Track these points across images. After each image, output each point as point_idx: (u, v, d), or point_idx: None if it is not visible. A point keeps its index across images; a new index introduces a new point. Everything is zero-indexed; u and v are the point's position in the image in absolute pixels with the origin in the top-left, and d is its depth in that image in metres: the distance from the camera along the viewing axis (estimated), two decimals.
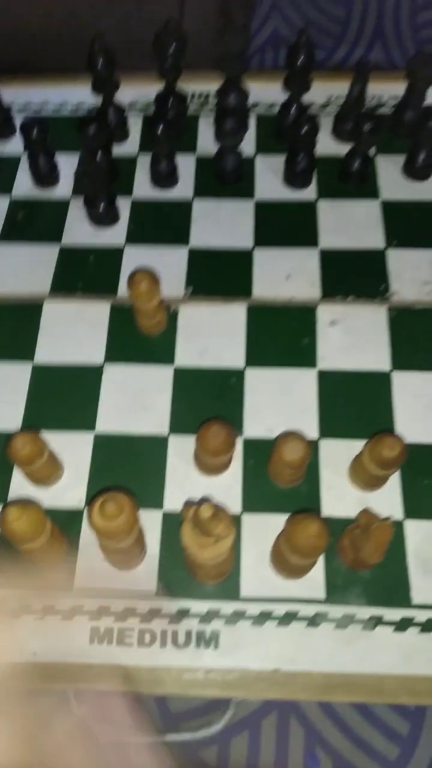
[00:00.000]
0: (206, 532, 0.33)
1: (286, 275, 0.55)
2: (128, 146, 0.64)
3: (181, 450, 0.48)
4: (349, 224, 0.57)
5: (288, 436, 0.41)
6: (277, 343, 0.52)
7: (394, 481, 0.47)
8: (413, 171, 0.58)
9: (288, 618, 0.43)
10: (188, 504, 0.33)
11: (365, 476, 0.44)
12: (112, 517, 0.34)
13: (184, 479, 0.47)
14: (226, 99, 0.59)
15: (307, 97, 0.62)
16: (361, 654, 0.42)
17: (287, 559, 0.39)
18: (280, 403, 0.50)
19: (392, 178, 0.60)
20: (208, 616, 0.43)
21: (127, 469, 0.48)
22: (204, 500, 0.37)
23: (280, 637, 0.42)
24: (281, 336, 0.52)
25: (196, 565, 0.38)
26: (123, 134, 0.64)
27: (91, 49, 0.55)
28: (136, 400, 0.51)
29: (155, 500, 0.46)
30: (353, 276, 0.55)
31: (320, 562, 0.44)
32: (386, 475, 0.43)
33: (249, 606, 0.43)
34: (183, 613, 0.43)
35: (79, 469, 0.48)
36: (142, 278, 0.47)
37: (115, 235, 0.58)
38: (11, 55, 0.72)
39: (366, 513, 0.39)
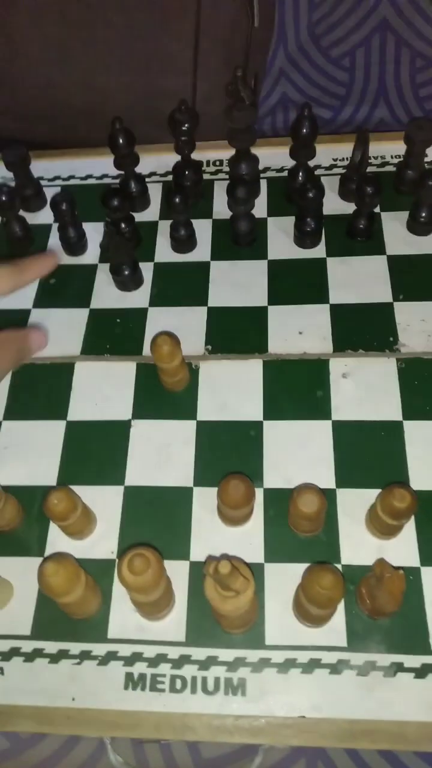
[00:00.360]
0: (225, 586, 0.35)
1: (299, 331, 0.58)
2: (150, 213, 0.69)
3: (205, 501, 0.51)
4: (358, 279, 0.61)
5: (302, 489, 0.44)
6: (292, 396, 0.55)
7: (410, 528, 0.49)
8: (416, 227, 0.61)
9: (311, 665, 0.45)
10: (209, 559, 0.35)
11: (379, 525, 0.46)
12: (140, 573, 0.37)
13: (208, 530, 0.50)
14: (236, 169, 0.63)
15: (314, 160, 0.66)
16: (382, 701, 0.43)
17: (306, 609, 0.41)
18: (297, 454, 0.52)
19: (397, 234, 0.63)
20: (235, 664, 0.45)
21: (155, 521, 0.51)
22: (223, 556, 0.39)
23: (305, 684, 0.44)
24: (296, 389, 0.55)
25: (219, 615, 0.40)
26: (144, 203, 0.68)
27: (112, 131, 0.61)
28: (162, 454, 0.54)
29: (182, 551, 0.49)
30: (363, 329, 0.58)
31: (341, 609, 0.46)
32: (399, 524, 0.45)
33: (274, 654, 0.45)
34: (211, 661, 0.45)
35: (111, 521, 0.51)
36: (164, 341, 0.50)
37: (139, 298, 0.62)
38: (41, 132, 0.78)
39: (380, 563, 0.41)
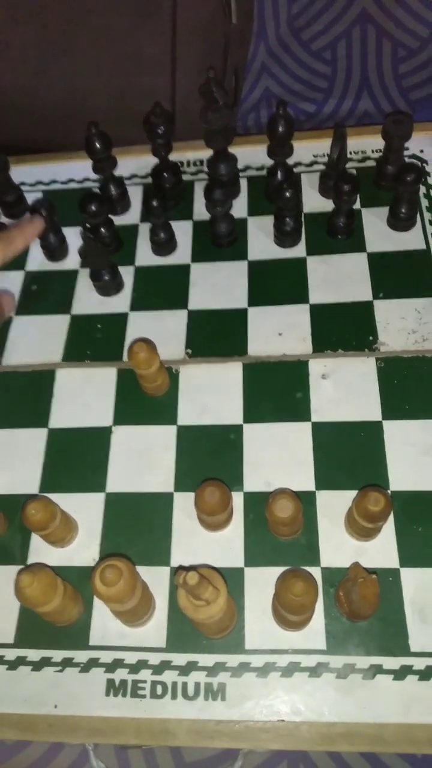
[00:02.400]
0: (196, 596, 0.36)
1: (278, 332, 0.58)
2: (130, 216, 0.68)
3: (186, 506, 0.51)
4: (338, 278, 0.60)
5: (277, 494, 0.44)
6: (272, 399, 0.55)
7: (390, 529, 0.49)
8: (396, 223, 0.61)
9: (291, 669, 0.45)
10: (179, 570, 0.35)
11: (357, 528, 0.46)
12: (113, 584, 0.37)
13: (189, 535, 0.50)
14: (214, 170, 0.63)
15: (294, 156, 0.66)
16: (361, 703, 0.43)
17: (282, 614, 0.41)
18: (277, 456, 0.52)
19: (377, 230, 0.62)
20: (215, 669, 0.45)
21: (136, 527, 0.51)
22: (201, 565, 0.39)
23: (284, 688, 0.44)
24: (276, 391, 0.55)
25: (196, 623, 0.41)
26: (125, 206, 0.68)
27: (88, 135, 0.60)
28: (143, 460, 0.54)
29: (163, 557, 0.49)
30: (342, 329, 0.57)
31: (320, 613, 0.46)
32: (376, 527, 0.45)
33: (253, 658, 0.46)
34: (192, 666, 0.46)
35: (92, 529, 0.51)
36: (140, 348, 0.50)
37: (120, 302, 0.62)
38: (21, 136, 0.78)
39: (354, 567, 0.41)
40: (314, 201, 0.66)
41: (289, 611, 0.40)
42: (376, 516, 0.43)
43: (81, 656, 0.47)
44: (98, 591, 0.38)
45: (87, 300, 0.63)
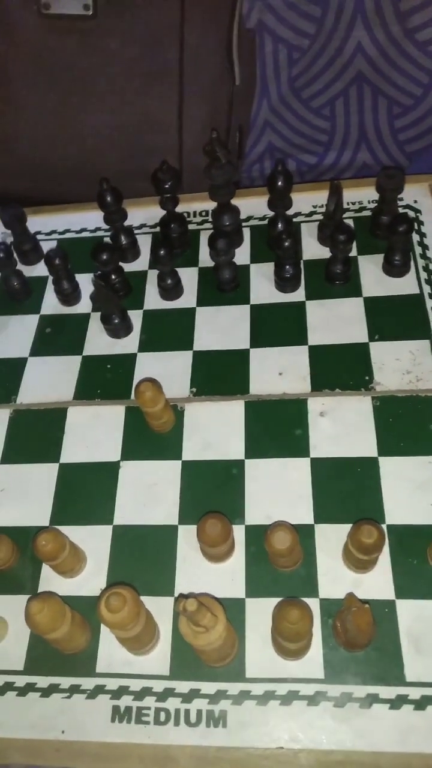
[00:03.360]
0: (195, 623, 0.38)
1: (279, 372, 0.61)
2: (140, 263, 0.73)
3: (190, 538, 0.53)
4: (335, 321, 0.64)
5: (275, 527, 0.46)
6: (272, 435, 0.58)
7: (385, 561, 0.50)
8: (391, 270, 0.64)
9: (290, 697, 0.46)
10: (180, 597, 0.37)
11: (353, 560, 0.48)
12: (117, 610, 0.40)
13: (193, 566, 0.52)
14: (218, 221, 0.67)
15: (294, 207, 0.70)
16: (358, 732, 0.45)
17: (280, 643, 0.43)
18: (277, 491, 0.55)
19: (373, 276, 0.66)
20: (216, 696, 0.47)
21: (142, 558, 0.53)
22: (201, 594, 0.41)
23: (283, 716, 0.46)
24: (276, 428, 0.58)
25: (197, 650, 0.43)
26: (135, 254, 0.73)
27: (99, 190, 0.65)
28: (149, 493, 0.56)
29: (167, 587, 0.51)
30: (340, 369, 0.60)
31: (318, 642, 0.48)
32: (370, 559, 0.47)
33: (254, 686, 0.47)
34: (194, 693, 0.47)
35: (100, 560, 0.54)
36: (146, 388, 0.53)
37: (129, 344, 0.66)
38: (38, 190, 0.83)
39: (348, 597, 0.43)
40: (313, 249, 0.70)
41: (285, 639, 0.41)
42: (369, 548, 0.45)
43: (88, 683, 0.48)
44: (103, 617, 0.40)
45: (98, 342, 0.67)
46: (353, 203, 0.72)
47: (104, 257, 0.64)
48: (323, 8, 0.76)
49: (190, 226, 0.74)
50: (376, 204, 0.70)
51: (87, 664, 0.49)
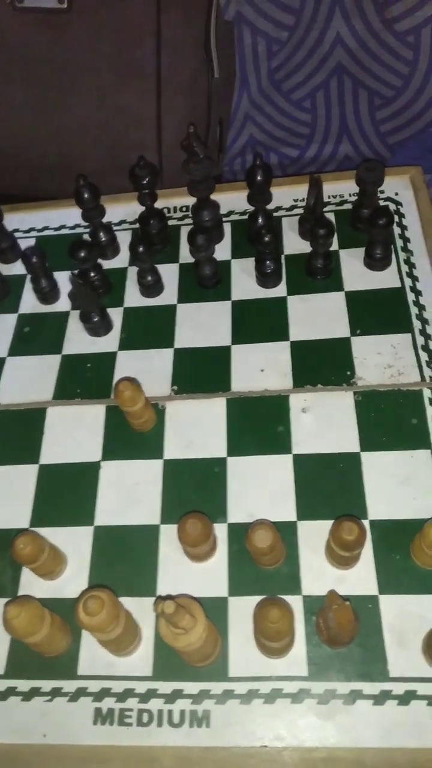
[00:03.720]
0: (173, 624, 0.37)
1: (260, 368, 0.61)
2: (120, 260, 0.72)
3: (172, 538, 0.53)
4: (317, 316, 0.63)
5: (255, 525, 0.46)
6: (254, 432, 0.57)
7: (368, 557, 0.50)
8: (371, 263, 0.64)
9: (273, 695, 0.46)
10: (158, 599, 0.37)
11: (335, 556, 0.48)
12: (95, 613, 0.39)
13: (175, 566, 0.52)
14: (198, 216, 0.66)
15: (275, 201, 0.70)
16: (342, 728, 0.45)
17: (262, 642, 0.43)
18: (260, 488, 0.54)
19: (354, 270, 0.66)
20: (200, 696, 0.47)
21: (124, 559, 0.53)
22: (180, 595, 0.41)
23: (267, 714, 0.46)
24: (258, 425, 0.58)
25: (178, 651, 0.42)
26: (114, 250, 0.72)
27: (76, 187, 0.64)
28: (130, 493, 0.56)
29: (149, 587, 0.51)
30: (321, 364, 0.60)
31: (301, 640, 0.48)
32: (352, 555, 0.47)
33: (237, 685, 0.47)
34: (177, 694, 0.47)
35: (81, 561, 0.53)
36: (125, 387, 0.53)
37: (109, 342, 0.65)
38: (14, 186, 0.82)
39: (330, 594, 0.43)
40: (294, 243, 0.69)
41: (267, 638, 0.41)
42: (350, 544, 0.45)
43: (69, 686, 0.48)
44: (82, 621, 0.40)
45: (78, 341, 0.66)
46: (334, 197, 0.72)
47: (82, 254, 0.63)
48: None
49: (171, 222, 0.73)
50: (356, 197, 0.69)
51: (68, 666, 0.49)
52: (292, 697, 0.46)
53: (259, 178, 0.62)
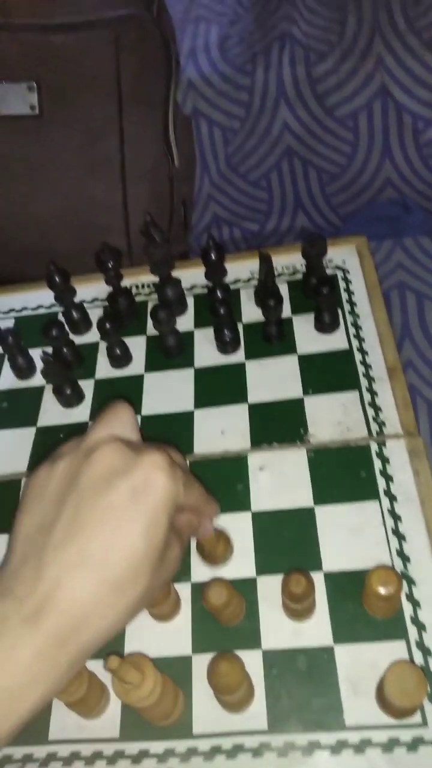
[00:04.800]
0: (120, 679, 0.40)
1: (221, 430, 0.65)
2: (91, 335, 0.77)
3: None
4: (273, 379, 0.67)
5: (210, 582, 0.48)
6: (216, 492, 0.59)
7: (323, 608, 0.53)
8: (321, 327, 0.69)
9: (235, 751, 0.48)
10: (108, 655, 0.39)
11: (288, 609, 0.50)
12: None
13: (140, 627, 0.54)
14: (161, 293, 0.72)
15: (235, 273, 0.76)
16: None
17: (218, 697, 0.45)
18: None
19: (306, 334, 0.70)
20: (165, 756, 0.48)
21: None
22: (115, 653, 0.43)
23: None
24: (219, 485, 0.61)
25: (137, 710, 0.44)
26: (87, 326, 0.77)
27: (48, 272, 0.70)
28: None
29: (116, 648, 0.53)
30: (277, 424, 0.64)
31: (261, 693, 0.49)
32: (302, 607, 0.49)
33: (200, 743, 0.48)
34: (143, 754, 0.48)
35: None
36: None
37: (81, 413, 0.70)
38: None
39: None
40: (251, 312, 0.74)
41: (219, 692, 0.43)
42: (298, 597, 0.47)
43: (40, 752, 0.50)
44: None
45: (52, 412, 0.70)
46: (287, 267, 0.78)
47: (53, 333, 0.68)
48: (249, 93, 0.84)
49: (139, 298, 0.79)
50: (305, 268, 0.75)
51: (40, 731, 0.50)
52: (253, 751, 0.47)
53: (212, 256, 0.68)
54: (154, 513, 0.41)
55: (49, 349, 0.71)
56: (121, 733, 0.50)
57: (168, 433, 0.66)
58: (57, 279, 0.71)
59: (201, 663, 0.51)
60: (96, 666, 0.50)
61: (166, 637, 0.53)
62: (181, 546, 0.48)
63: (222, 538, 0.55)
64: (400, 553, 0.54)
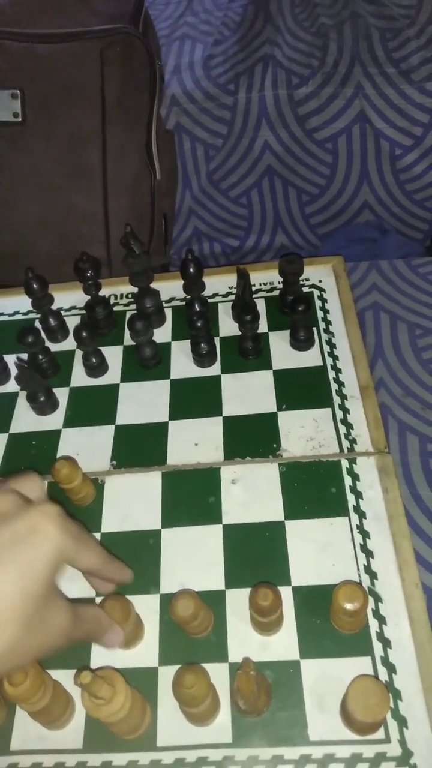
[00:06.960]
0: (91, 694, 0.39)
1: (194, 442, 0.65)
2: (68, 343, 0.77)
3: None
4: (247, 393, 0.68)
5: (178, 594, 0.48)
6: (187, 504, 0.61)
7: (291, 622, 0.53)
8: (296, 344, 0.70)
9: (199, 764, 0.48)
10: (79, 670, 0.39)
11: (256, 622, 0.51)
12: (18, 684, 0.41)
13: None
14: (139, 304, 0.73)
15: (213, 288, 0.76)
16: None
17: (183, 709, 0.45)
18: (191, 558, 0.57)
19: (281, 350, 0.72)
20: (128, 767, 0.48)
21: None
22: (86, 667, 0.43)
23: None
24: (191, 497, 0.61)
25: (106, 723, 0.44)
26: (64, 334, 0.77)
27: (26, 279, 0.70)
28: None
29: (83, 660, 0.53)
30: (250, 438, 0.64)
31: (226, 706, 0.49)
32: (269, 621, 0.49)
33: (164, 755, 0.48)
34: (106, 766, 0.48)
35: None
36: (61, 465, 0.57)
37: (54, 420, 0.69)
38: None
39: (244, 661, 0.45)
40: (228, 327, 0.75)
41: (184, 704, 0.43)
42: (266, 610, 0.48)
43: (2, 762, 0.49)
44: (6, 691, 0.42)
45: (24, 419, 0.70)
46: (264, 284, 0.79)
47: (29, 340, 0.68)
48: (232, 112, 0.85)
49: (118, 308, 0.79)
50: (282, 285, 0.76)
51: (1, 741, 0.50)
52: (217, 764, 0.47)
53: (191, 270, 0.69)
54: (34, 562, 0.39)
55: (25, 356, 0.71)
56: (84, 744, 0.49)
57: (141, 444, 0.66)
58: (35, 286, 0.71)
59: (167, 675, 0.51)
60: (61, 676, 0.50)
61: (136, 649, 0.53)
62: (70, 618, 0.43)
63: (264, 685, 0.47)
64: (368, 570, 0.55)
